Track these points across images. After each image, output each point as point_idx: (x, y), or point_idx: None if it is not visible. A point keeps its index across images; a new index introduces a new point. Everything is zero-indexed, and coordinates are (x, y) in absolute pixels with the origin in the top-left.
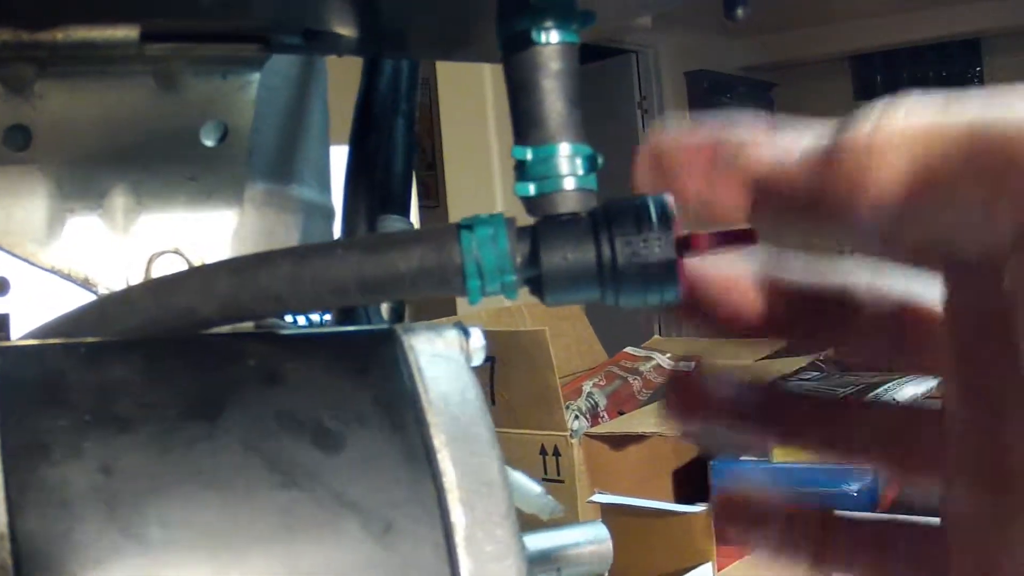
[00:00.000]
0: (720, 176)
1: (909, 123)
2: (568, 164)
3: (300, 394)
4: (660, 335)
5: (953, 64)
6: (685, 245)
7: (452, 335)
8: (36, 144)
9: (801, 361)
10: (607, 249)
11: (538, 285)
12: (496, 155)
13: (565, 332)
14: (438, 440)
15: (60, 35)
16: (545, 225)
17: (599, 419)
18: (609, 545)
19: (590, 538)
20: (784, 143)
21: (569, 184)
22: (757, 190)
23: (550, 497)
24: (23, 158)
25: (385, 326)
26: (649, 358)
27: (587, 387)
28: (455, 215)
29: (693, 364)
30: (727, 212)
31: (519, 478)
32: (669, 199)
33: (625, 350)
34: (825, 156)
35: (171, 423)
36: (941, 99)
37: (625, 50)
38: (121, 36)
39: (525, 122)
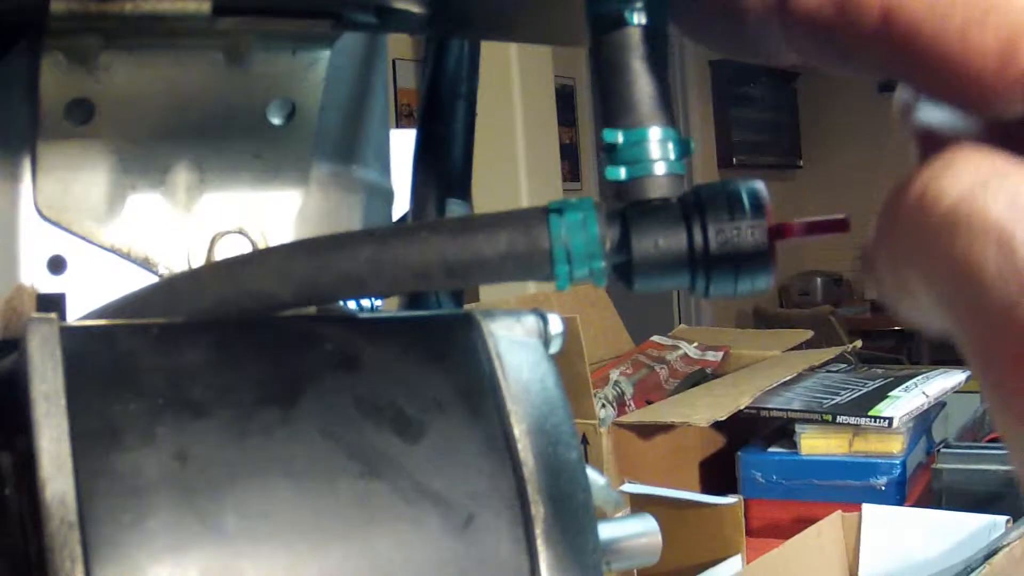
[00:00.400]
0: None
1: None
2: (660, 148)
3: (378, 380)
4: (682, 323)
5: None
6: (777, 233)
7: (531, 321)
8: (99, 118)
9: (829, 353)
10: (699, 236)
11: (627, 271)
12: (521, 141)
13: (592, 320)
14: (518, 429)
15: (129, 6)
16: (635, 210)
17: (626, 407)
18: (659, 538)
19: (641, 530)
20: None
21: (660, 169)
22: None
23: (614, 490)
24: (85, 132)
25: (461, 311)
26: (676, 347)
27: (614, 375)
28: (479, 202)
29: (721, 355)
30: (756, 14)
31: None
32: (760, 186)
33: (652, 339)
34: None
35: (247, 409)
36: None
37: None
38: (192, 9)
39: (616, 104)
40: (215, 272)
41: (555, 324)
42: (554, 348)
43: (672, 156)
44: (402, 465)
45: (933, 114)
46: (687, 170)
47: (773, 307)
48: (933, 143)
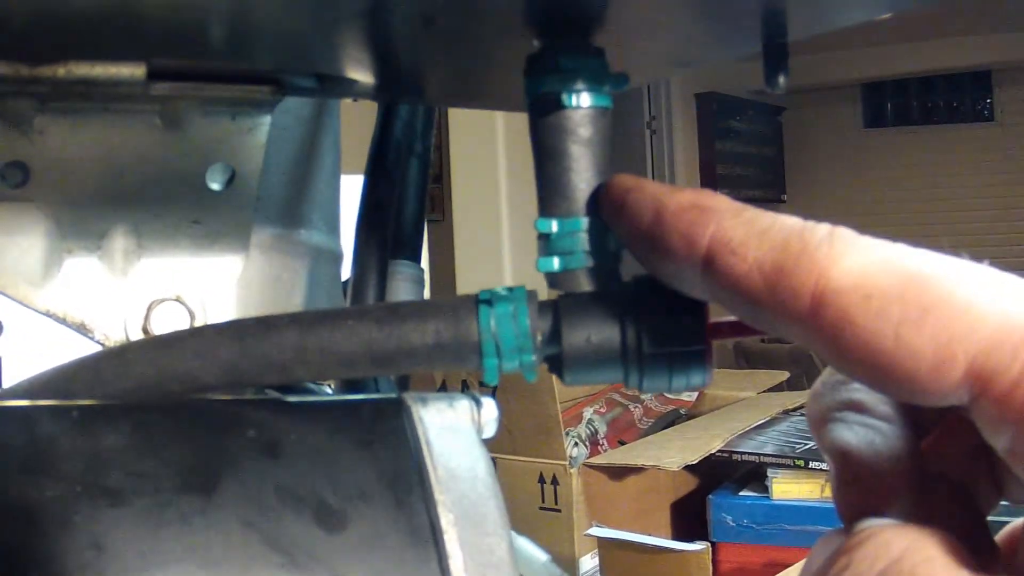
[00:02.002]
0: (678, 227)
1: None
2: (595, 239)
3: (301, 467)
4: None
5: (963, 95)
6: (713, 332)
7: (464, 406)
8: (34, 181)
9: (804, 396)
10: (633, 333)
11: (558, 364)
12: (503, 169)
13: None
14: (445, 520)
15: (62, 71)
16: (568, 302)
17: (599, 447)
18: None
19: None
20: (749, 228)
21: (594, 260)
22: (710, 261)
23: (555, 565)
24: (20, 195)
25: (394, 395)
26: None
27: (588, 413)
28: (460, 229)
29: (696, 395)
30: (679, 263)
31: (525, 546)
32: None
33: None
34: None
35: (165, 496)
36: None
37: None
38: (127, 74)
39: (551, 192)
40: (141, 352)
41: (489, 409)
42: (488, 433)
43: (609, 247)
44: (323, 556)
45: (846, 435)
46: None
47: (754, 342)
48: (847, 461)
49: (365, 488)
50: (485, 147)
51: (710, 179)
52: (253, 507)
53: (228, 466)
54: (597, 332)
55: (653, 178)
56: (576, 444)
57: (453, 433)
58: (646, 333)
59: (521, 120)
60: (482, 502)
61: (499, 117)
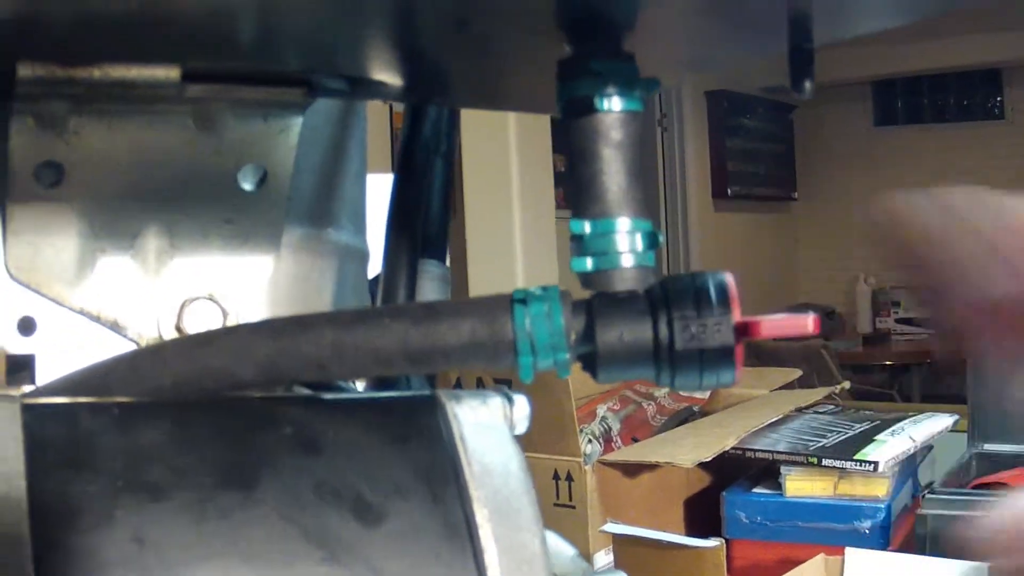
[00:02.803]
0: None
1: None
2: (627, 240)
3: (339, 464)
4: None
5: (974, 93)
6: (743, 330)
7: (496, 403)
8: (68, 181)
9: (817, 394)
10: (665, 330)
11: (591, 362)
12: (515, 169)
13: None
14: (480, 515)
15: (97, 72)
16: (601, 302)
17: (612, 444)
18: None
19: None
20: None
21: (627, 261)
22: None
23: (582, 559)
24: (54, 195)
25: (427, 392)
26: None
27: (601, 410)
28: (472, 229)
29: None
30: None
31: (553, 540)
32: (729, 279)
33: None
34: None
35: (206, 492)
36: None
37: None
38: (161, 76)
39: (584, 193)
40: (178, 349)
41: (521, 406)
42: (520, 430)
43: (640, 248)
44: (361, 550)
45: None
46: (681, 198)
47: (765, 340)
48: None
49: (401, 484)
50: (497, 147)
51: (721, 177)
52: (292, 502)
53: (267, 462)
54: (630, 331)
55: (664, 176)
56: (590, 441)
57: (487, 430)
58: (678, 332)
59: (533, 120)
60: (516, 498)
61: (511, 117)
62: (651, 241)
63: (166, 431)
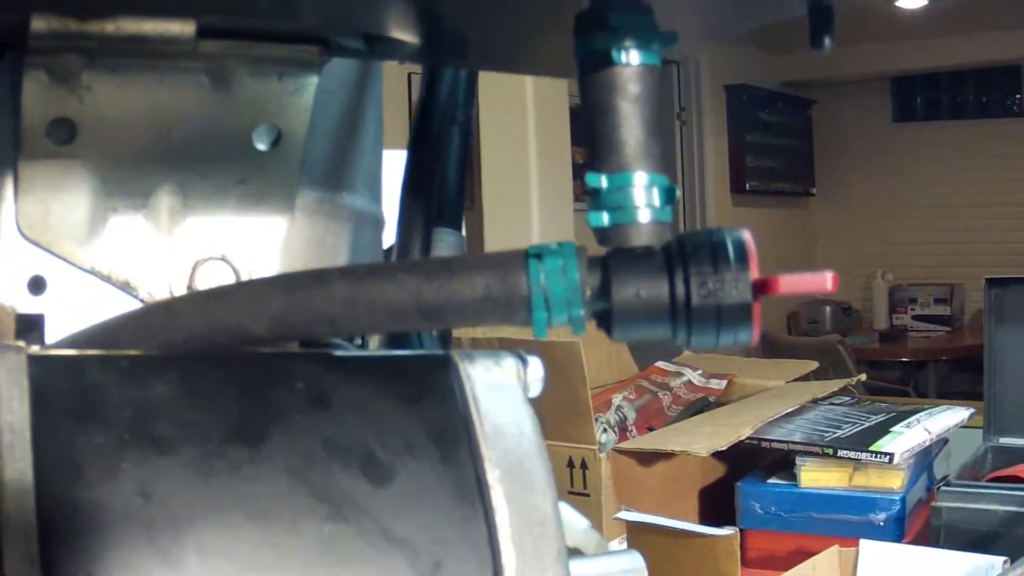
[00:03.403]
0: None
1: None
2: (644, 195)
3: (350, 421)
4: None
5: (993, 89)
6: (760, 287)
7: (511, 364)
8: (81, 138)
9: (833, 385)
10: (681, 287)
11: (607, 320)
12: (534, 157)
13: (597, 343)
14: (491, 475)
15: (111, 27)
16: (617, 258)
17: (628, 433)
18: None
19: (627, 567)
20: None
21: (644, 216)
22: None
23: (595, 532)
24: (66, 152)
25: (440, 351)
26: (680, 374)
27: (617, 400)
28: (490, 217)
29: (725, 383)
30: None
31: (566, 511)
32: (747, 236)
33: (656, 364)
34: None
35: (213, 446)
36: None
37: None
38: (176, 31)
39: (601, 147)
40: (190, 304)
41: (535, 368)
42: (533, 392)
43: (657, 203)
44: (369, 509)
45: None
46: (700, 192)
47: (782, 335)
48: None
49: (412, 442)
50: (516, 140)
51: (739, 171)
52: (301, 459)
53: (276, 418)
54: (646, 287)
55: (682, 170)
56: (605, 430)
57: (500, 390)
58: (695, 288)
59: (552, 113)
60: (528, 459)
61: (530, 104)
62: (668, 196)
63: (175, 385)
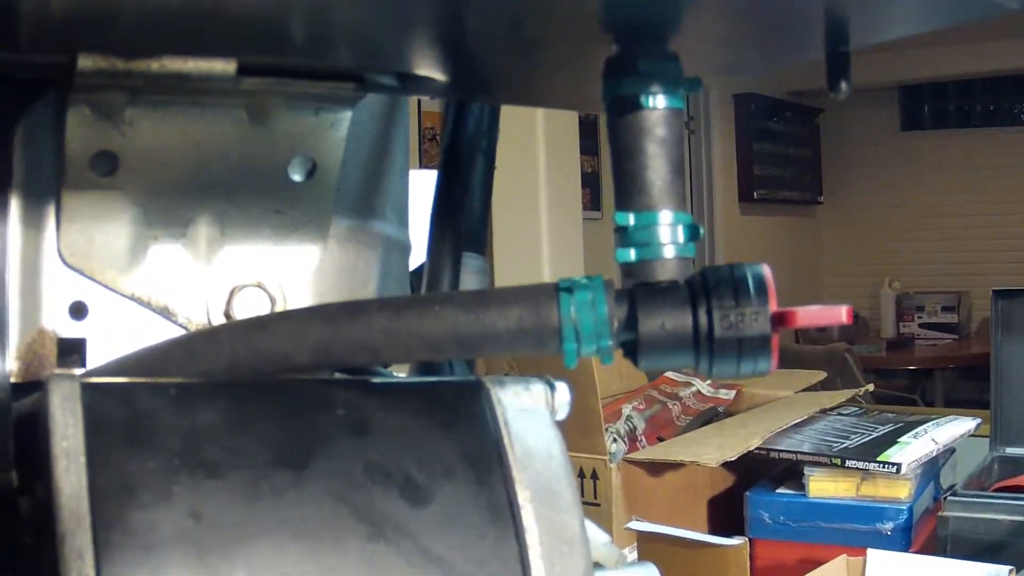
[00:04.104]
0: None
1: None
2: (669, 232)
3: (388, 445)
4: None
5: (1001, 98)
6: (779, 320)
7: (539, 389)
8: (123, 170)
9: (841, 396)
10: (704, 319)
11: (633, 350)
12: (543, 167)
13: None
14: (522, 496)
15: (156, 65)
16: (643, 291)
17: (637, 443)
18: None
19: None
20: None
21: (669, 252)
22: None
23: (615, 547)
24: (109, 183)
25: (472, 377)
26: (689, 384)
27: (627, 410)
28: (499, 227)
29: (734, 393)
30: None
31: (587, 526)
32: (766, 271)
33: (666, 374)
34: None
35: (259, 470)
36: None
37: None
38: (218, 69)
39: (628, 187)
40: (233, 333)
41: (562, 392)
42: (560, 415)
43: (681, 240)
44: (409, 529)
45: None
46: (708, 201)
47: (789, 344)
48: None
49: (448, 465)
50: (525, 148)
51: (747, 180)
52: (343, 482)
53: (319, 442)
54: (671, 319)
55: (691, 178)
56: (615, 440)
57: (529, 415)
58: (717, 321)
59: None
60: (556, 480)
61: (540, 118)
62: (692, 233)
63: (222, 411)
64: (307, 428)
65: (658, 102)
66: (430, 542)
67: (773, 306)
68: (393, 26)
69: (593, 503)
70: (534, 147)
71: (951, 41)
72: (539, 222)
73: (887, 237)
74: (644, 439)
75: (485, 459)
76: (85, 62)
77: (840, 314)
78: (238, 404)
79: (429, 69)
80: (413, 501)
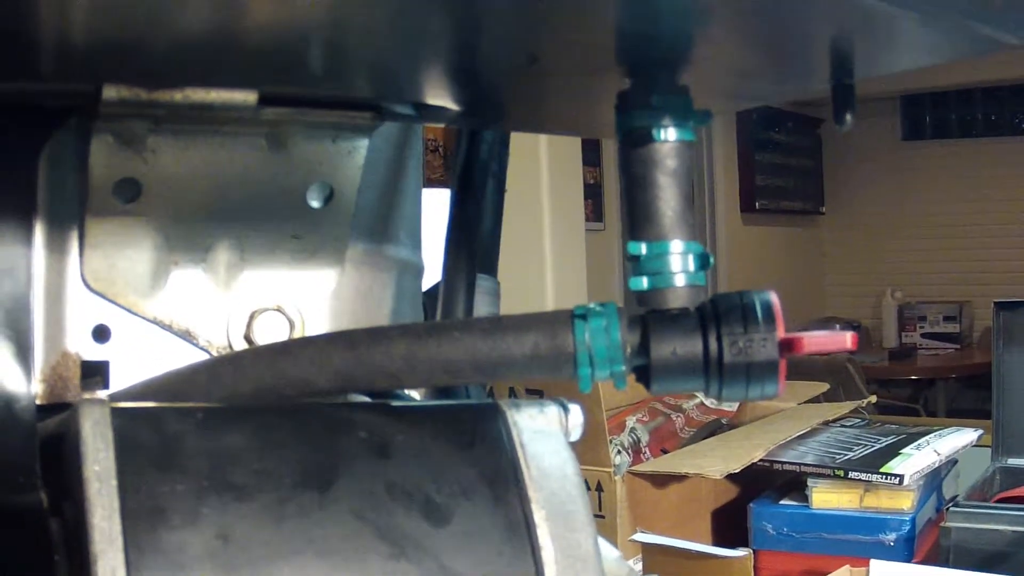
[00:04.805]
0: None
1: None
2: (680, 261)
3: (409, 466)
4: None
5: (1002, 107)
6: (786, 346)
7: (553, 411)
8: (145, 197)
9: (844, 407)
10: (714, 345)
11: (645, 375)
12: (545, 179)
13: None
14: (538, 515)
15: (179, 96)
16: (655, 318)
17: (641, 455)
18: None
19: None
20: None
21: (680, 280)
22: None
23: (625, 562)
24: (131, 210)
25: (489, 400)
26: (692, 395)
27: (630, 422)
28: (502, 240)
29: (737, 405)
30: None
31: (600, 544)
32: (774, 298)
33: None
34: None
35: (285, 492)
36: None
37: None
38: (240, 100)
39: (640, 217)
40: (257, 358)
41: (576, 414)
42: (574, 436)
43: (692, 268)
44: (429, 547)
45: None
46: (710, 211)
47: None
48: None
49: (466, 485)
50: (528, 160)
51: (749, 190)
52: (366, 502)
53: (342, 464)
54: (682, 345)
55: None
56: (619, 452)
57: (544, 436)
58: (726, 347)
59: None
60: (571, 500)
61: (544, 141)
62: (702, 262)
63: (248, 435)
64: (330, 450)
65: (669, 135)
66: (449, 560)
67: (781, 332)
68: (410, 59)
69: (598, 515)
70: (537, 158)
71: None
72: (542, 233)
73: (889, 247)
74: (648, 451)
75: (502, 479)
76: (110, 92)
77: (845, 340)
78: (263, 428)
79: (445, 99)
80: (433, 520)
